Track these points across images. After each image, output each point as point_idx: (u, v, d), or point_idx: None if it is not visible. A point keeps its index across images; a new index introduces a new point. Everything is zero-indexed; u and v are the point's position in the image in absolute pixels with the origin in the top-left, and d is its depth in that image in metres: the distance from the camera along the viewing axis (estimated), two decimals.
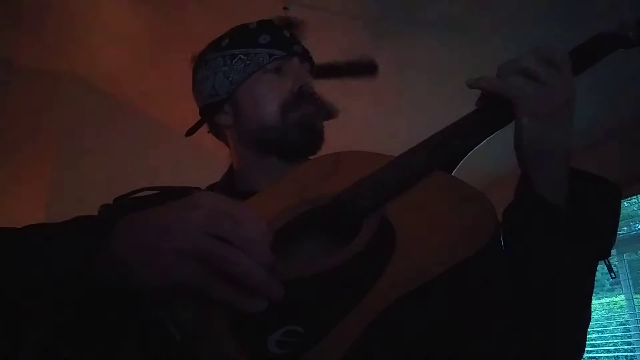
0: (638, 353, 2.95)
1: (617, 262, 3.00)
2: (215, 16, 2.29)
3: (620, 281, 3.00)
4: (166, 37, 2.71)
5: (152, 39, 2.76)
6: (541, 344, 0.59)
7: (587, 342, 0.63)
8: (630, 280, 2.96)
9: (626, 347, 3.02)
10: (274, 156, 0.79)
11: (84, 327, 0.47)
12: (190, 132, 0.87)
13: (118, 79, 3.07)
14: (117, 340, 0.47)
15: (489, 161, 2.54)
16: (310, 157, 0.78)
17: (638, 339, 2.94)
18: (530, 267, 0.61)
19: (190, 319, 0.45)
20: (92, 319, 0.47)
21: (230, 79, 0.79)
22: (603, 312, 3.14)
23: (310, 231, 0.60)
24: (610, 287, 3.15)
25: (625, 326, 3.05)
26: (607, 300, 3.17)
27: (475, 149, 0.64)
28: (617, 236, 0.63)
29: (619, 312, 3.09)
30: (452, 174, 0.62)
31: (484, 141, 0.64)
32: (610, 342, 3.09)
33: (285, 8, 2.35)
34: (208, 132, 0.87)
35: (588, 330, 0.62)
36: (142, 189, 0.73)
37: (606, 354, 3.07)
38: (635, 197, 3.00)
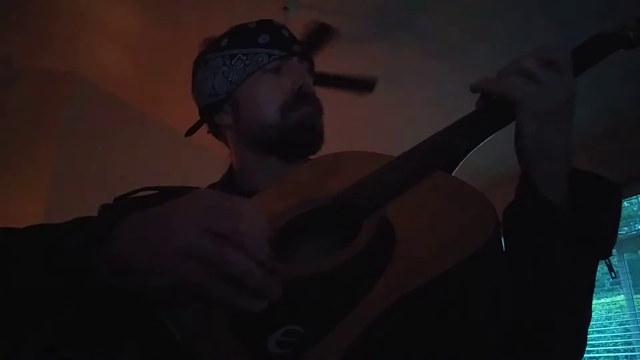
0: (638, 353, 2.95)
1: (617, 262, 3.00)
2: (216, 16, 2.29)
3: (620, 281, 3.00)
4: (166, 37, 2.72)
5: (152, 39, 2.76)
6: (541, 344, 0.59)
7: (587, 342, 0.63)
8: (630, 280, 2.97)
9: (626, 347, 3.03)
10: (274, 156, 0.79)
11: (84, 327, 0.47)
12: (190, 132, 0.87)
13: (118, 79, 3.07)
14: (117, 340, 0.47)
15: (489, 161, 2.54)
16: (310, 157, 0.78)
17: (638, 339, 2.94)
18: (531, 266, 0.61)
19: (190, 319, 0.45)
20: (92, 319, 0.47)
21: (229, 79, 0.79)
22: (603, 312, 3.14)
23: (310, 231, 0.60)
24: (610, 287, 3.16)
25: (625, 326, 3.05)
26: (607, 300, 3.17)
27: (475, 149, 0.64)
28: (617, 236, 0.63)
29: (619, 312, 3.09)
30: (452, 174, 0.62)
31: (484, 141, 0.64)
32: (610, 342, 3.09)
33: (285, 8, 2.35)
34: (208, 132, 0.87)
35: (588, 330, 0.62)
36: (142, 189, 0.73)
37: (606, 354, 3.07)
38: (635, 197, 3.00)
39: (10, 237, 0.54)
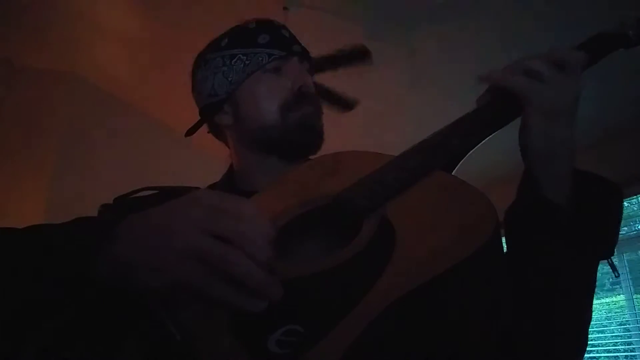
0: (638, 353, 2.95)
1: (617, 262, 3.00)
2: (216, 16, 2.29)
3: (620, 281, 3.00)
4: (166, 37, 2.72)
5: (152, 39, 2.76)
6: (541, 344, 0.59)
7: (587, 342, 0.63)
8: (630, 280, 2.97)
9: (626, 347, 3.02)
10: (274, 156, 0.79)
11: (84, 328, 0.47)
12: (190, 132, 0.87)
13: (118, 79, 3.07)
14: (117, 340, 0.47)
15: (489, 161, 2.54)
16: (310, 157, 0.78)
17: (638, 339, 2.94)
18: (531, 266, 0.61)
19: (190, 319, 0.45)
20: (92, 319, 0.47)
21: (229, 79, 0.79)
22: (603, 312, 3.14)
23: (310, 231, 0.60)
24: (611, 287, 3.16)
25: (625, 326, 3.05)
26: (607, 300, 3.17)
27: (475, 148, 0.64)
28: (618, 236, 0.64)
29: (619, 312, 3.09)
30: (452, 173, 0.62)
31: (484, 141, 0.64)
32: (610, 342, 3.09)
33: (285, 8, 2.35)
34: (208, 132, 0.87)
35: (588, 330, 0.62)
36: (142, 189, 0.73)
37: (606, 354, 3.07)
38: (635, 197, 3.00)
39: (10, 237, 0.54)
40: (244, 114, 0.79)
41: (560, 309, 0.60)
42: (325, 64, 2.23)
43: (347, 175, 0.61)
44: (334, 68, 2.29)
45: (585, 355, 0.64)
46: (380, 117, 3.12)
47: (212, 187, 0.83)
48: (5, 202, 2.82)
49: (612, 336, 3.11)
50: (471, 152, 0.64)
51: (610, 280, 3.07)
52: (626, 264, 3.01)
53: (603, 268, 0.63)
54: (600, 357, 3.08)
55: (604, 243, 0.62)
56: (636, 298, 2.95)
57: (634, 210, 3.14)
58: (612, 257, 0.63)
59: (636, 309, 2.94)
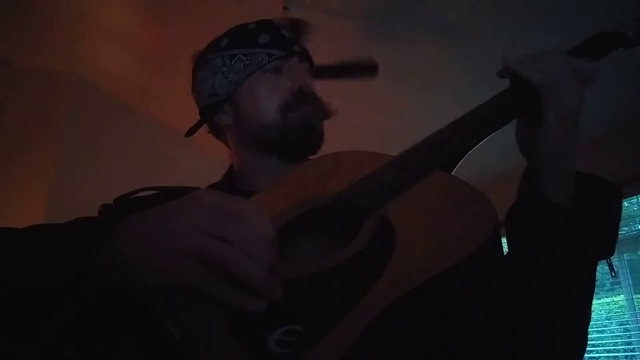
0: (638, 353, 2.95)
1: (617, 262, 3.00)
2: (216, 16, 2.29)
3: (620, 281, 3.00)
4: (166, 37, 2.72)
5: (152, 39, 2.76)
6: (541, 344, 0.60)
7: (587, 342, 0.63)
8: (630, 280, 2.97)
9: (626, 347, 3.02)
10: (274, 156, 0.79)
11: (84, 327, 0.47)
12: (190, 132, 0.87)
13: (119, 79, 3.07)
14: (117, 340, 0.47)
15: (489, 161, 2.54)
16: (310, 157, 0.78)
17: (638, 339, 2.94)
18: (532, 266, 0.61)
19: (190, 319, 0.45)
20: (92, 319, 0.47)
21: (229, 79, 0.79)
22: (603, 312, 3.14)
23: (310, 231, 0.60)
24: (610, 287, 3.15)
25: (625, 326, 3.05)
26: (607, 300, 3.17)
27: (475, 148, 0.64)
28: (618, 237, 0.64)
29: (619, 312, 3.09)
30: (452, 173, 0.62)
31: (484, 140, 0.64)
32: (610, 342, 3.09)
33: (285, 8, 2.35)
34: (208, 133, 0.87)
35: (588, 330, 0.63)
36: (142, 189, 0.73)
37: (606, 354, 3.07)
38: (635, 197, 3.00)
39: (10, 237, 0.54)
40: (244, 114, 0.79)
41: (560, 309, 0.60)
42: (330, 73, 2.23)
43: (347, 175, 0.61)
44: (338, 78, 2.29)
45: (585, 355, 0.64)
46: (379, 120, 3.12)
47: (212, 187, 0.83)
48: (5, 202, 2.82)
49: (612, 336, 3.10)
50: (471, 151, 0.64)
51: (610, 280, 3.07)
52: (626, 264, 3.01)
53: (604, 268, 0.63)
54: (600, 357, 3.08)
55: (604, 243, 0.63)
56: (636, 298, 2.95)
57: (634, 210, 3.14)
58: (611, 257, 0.64)
59: (636, 309, 2.94)
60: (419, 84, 2.83)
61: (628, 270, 2.99)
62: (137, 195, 0.73)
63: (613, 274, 0.66)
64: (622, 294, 3.03)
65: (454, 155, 0.62)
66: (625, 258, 3.03)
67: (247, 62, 0.78)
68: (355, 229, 0.53)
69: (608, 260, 0.64)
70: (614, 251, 0.63)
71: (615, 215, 0.64)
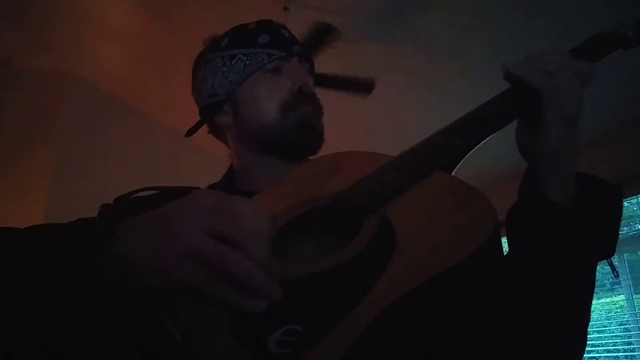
0: (638, 353, 2.95)
1: (617, 262, 3.00)
2: (216, 16, 2.30)
3: (620, 281, 3.00)
4: (167, 37, 2.72)
5: (152, 39, 2.76)
6: (541, 344, 0.60)
7: (587, 342, 0.63)
8: (630, 280, 2.97)
9: (626, 347, 3.02)
10: (274, 156, 0.78)
11: (84, 327, 0.47)
12: (190, 132, 0.87)
13: (119, 79, 3.07)
14: (117, 340, 0.47)
15: (489, 161, 2.54)
16: (310, 157, 0.78)
17: (638, 339, 2.94)
18: (532, 266, 0.61)
19: (190, 319, 0.45)
20: (92, 319, 0.47)
21: (229, 79, 0.79)
22: (603, 312, 3.14)
23: (310, 231, 0.60)
24: (610, 287, 3.15)
25: (625, 326, 3.05)
26: (607, 300, 3.17)
27: (475, 148, 0.64)
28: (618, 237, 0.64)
29: (619, 312, 3.09)
30: (452, 174, 0.62)
31: (484, 141, 0.64)
32: (610, 342, 3.09)
33: (285, 8, 2.35)
34: (208, 133, 0.87)
35: (588, 330, 0.63)
36: (142, 189, 0.73)
37: (606, 354, 3.07)
38: (635, 197, 3.00)
39: (10, 237, 0.54)
40: (244, 114, 0.79)
41: (560, 309, 0.61)
42: (327, 82, 2.25)
43: (347, 175, 0.61)
44: (333, 88, 2.30)
45: (585, 355, 0.64)
46: (379, 120, 3.12)
47: (212, 187, 0.83)
48: (5, 202, 2.82)
49: (612, 336, 3.10)
50: (471, 152, 0.64)
51: (610, 280, 3.07)
52: (626, 264, 3.01)
53: (603, 268, 0.63)
54: (600, 357, 3.08)
55: (604, 243, 0.63)
56: (636, 298, 2.95)
57: (633, 210, 3.14)
58: (612, 257, 0.64)
59: (636, 309, 2.94)
60: (419, 84, 2.83)
61: (628, 270, 2.99)
62: (137, 195, 0.73)
63: (615, 274, 0.66)
64: (622, 294, 3.03)
65: (454, 156, 0.62)
66: (625, 258, 3.03)
67: (247, 62, 0.78)
68: (356, 229, 0.53)
69: (609, 260, 0.64)
70: (615, 251, 0.63)
71: (615, 216, 0.64)
